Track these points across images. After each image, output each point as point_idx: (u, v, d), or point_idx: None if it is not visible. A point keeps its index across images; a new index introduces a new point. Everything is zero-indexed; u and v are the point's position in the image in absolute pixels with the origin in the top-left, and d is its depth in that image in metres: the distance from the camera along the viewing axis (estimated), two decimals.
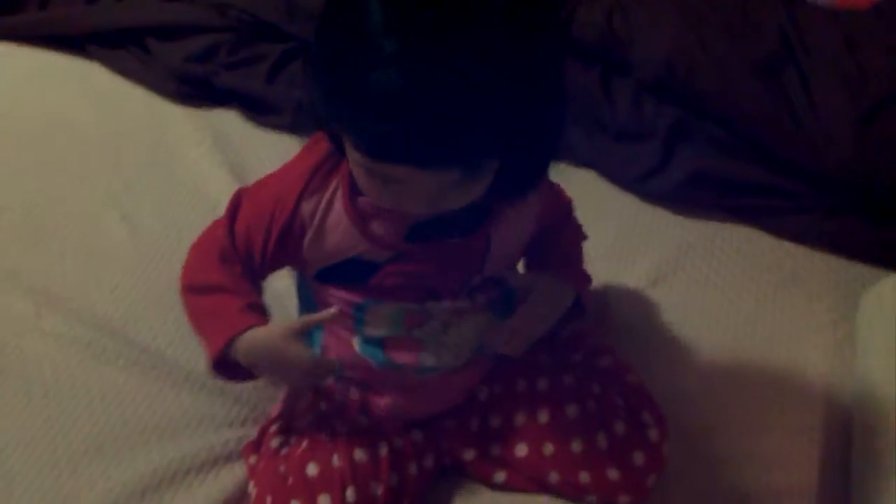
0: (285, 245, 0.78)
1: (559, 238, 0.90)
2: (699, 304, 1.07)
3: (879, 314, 0.96)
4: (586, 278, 0.90)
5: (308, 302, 0.86)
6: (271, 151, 1.23)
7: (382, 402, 0.87)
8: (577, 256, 0.92)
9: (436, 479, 0.89)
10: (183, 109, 1.31)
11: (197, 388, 0.96)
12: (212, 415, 0.94)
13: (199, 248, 0.84)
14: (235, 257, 0.80)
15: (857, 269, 1.09)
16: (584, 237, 0.92)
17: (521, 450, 0.87)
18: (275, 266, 0.82)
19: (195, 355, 0.97)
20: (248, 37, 1.33)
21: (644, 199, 1.19)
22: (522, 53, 0.61)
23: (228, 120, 1.30)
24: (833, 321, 1.04)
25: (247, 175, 1.19)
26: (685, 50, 1.17)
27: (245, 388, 0.93)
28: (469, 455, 0.88)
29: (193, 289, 0.83)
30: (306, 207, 0.76)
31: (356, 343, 0.83)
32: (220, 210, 0.82)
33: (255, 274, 0.82)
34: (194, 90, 1.32)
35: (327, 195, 0.76)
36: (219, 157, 1.22)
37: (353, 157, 0.67)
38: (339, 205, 0.76)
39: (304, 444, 0.85)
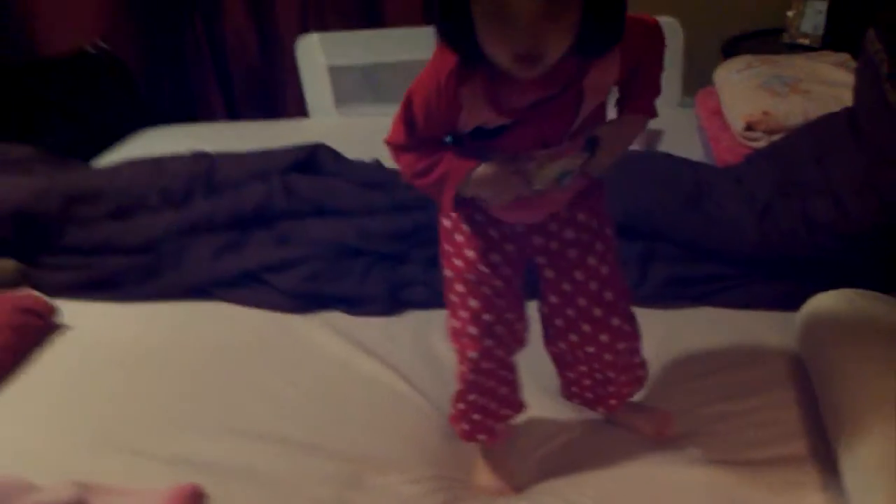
0: (450, 117, 1.07)
1: (642, 71, 1.11)
2: (693, 353, 1.60)
3: (804, 325, 1.51)
4: (652, 100, 1.13)
5: None
6: (378, 333, 1.74)
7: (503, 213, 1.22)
8: (652, 84, 1.13)
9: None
10: (299, 317, 1.83)
11: None
12: None
13: (396, 148, 1.14)
14: (421, 141, 1.11)
15: (784, 316, 1.64)
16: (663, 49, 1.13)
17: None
18: (446, 131, 1.11)
19: None
20: (340, 258, 1.89)
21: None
22: None
23: (336, 317, 1.81)
24: (781, 345, 1.58)
25: (368, 345, 1.70)
26: (639, 200, 1.79)
27: None
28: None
29: (416, 175, 1.14)
30: (462, 92, 1.03)
31: None
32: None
33: (440, 138, 1.13)
34: (304, 302, 1.84)
35: (473, 88, 1.03)
36: (343, 340, 1.73)
37: (481, 20, 0.94)
38: (481, 93, 1.03)
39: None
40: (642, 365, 1.41)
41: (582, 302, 1.29)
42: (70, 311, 1.88)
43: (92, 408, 1.61)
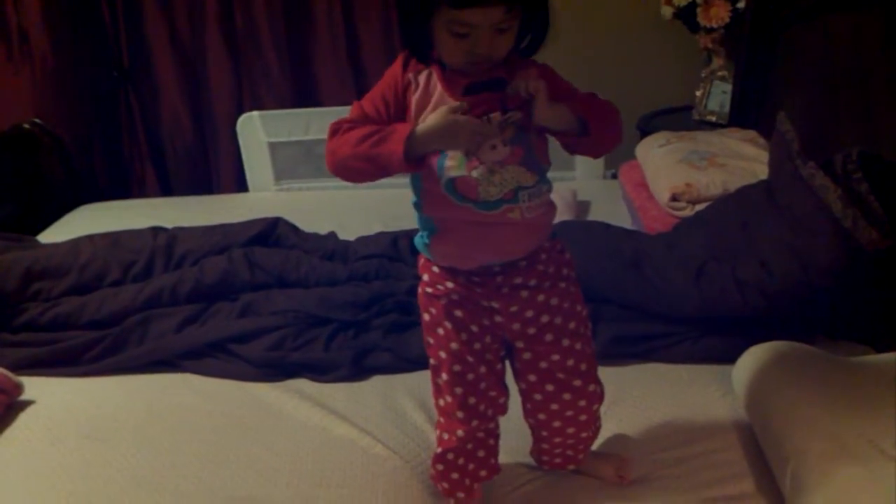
0: (401, 100, 1.23)
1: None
2: (642, 405, 1.74)
3: (740, 375, 1.67)
4: (587, 106, 1.26)
5: (415, 178, 1.29)
6: (346, 399, 1.82)
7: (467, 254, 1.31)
8: (588, 100, 1.28)
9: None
10: (267, 385, 1.89)
11: None
12: None
13: (339, 129, 1.22)
14: (371, 119, 1.22)
15: (722, 369, 1.81)
16: (612, 112, 1.31)
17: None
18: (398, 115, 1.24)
19: None
20: (304, 327, 1.97)
21: None
22: None
23: (301, 384, 1.88)
24: (722, 394, 1.74)
25: (340, 410, 1.77)
26: (585, 266, 1.92)
27: None
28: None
29: (363, 139, 1.18)
30: (410, 76, 1.23)
31: (442, 186, 1.24)
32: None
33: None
34: (271, 371, 1.91)
35: (424, 74, 1.23)
36: (314, 406, 1.79)
37: (441, 34, 1.16)
38: (434, 78, 1.23)
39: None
40: (600, 416, 1.54)
41: (561, 376, 1.41)
42: (32, 386, 1.90)
43: (65, 482, 1.62)
